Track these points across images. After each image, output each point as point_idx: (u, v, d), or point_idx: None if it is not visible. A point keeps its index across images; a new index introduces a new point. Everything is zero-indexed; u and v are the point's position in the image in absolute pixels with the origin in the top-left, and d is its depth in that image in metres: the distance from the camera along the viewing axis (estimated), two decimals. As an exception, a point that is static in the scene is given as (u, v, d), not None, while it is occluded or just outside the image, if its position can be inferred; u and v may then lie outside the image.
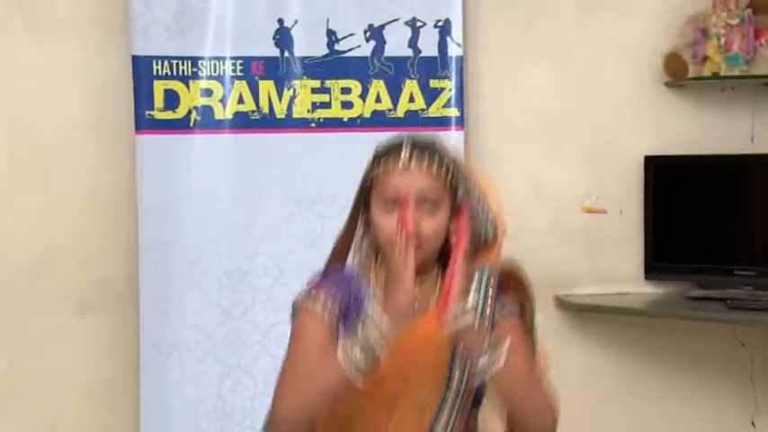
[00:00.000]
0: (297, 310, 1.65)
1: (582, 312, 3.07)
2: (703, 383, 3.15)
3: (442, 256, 1.63)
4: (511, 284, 1.68)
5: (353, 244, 1.69)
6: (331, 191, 2.79)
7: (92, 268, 2.94)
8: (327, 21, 2.85)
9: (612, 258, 3.10)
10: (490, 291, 1.61)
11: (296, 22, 2.84)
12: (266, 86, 2.83)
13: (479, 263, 1.62)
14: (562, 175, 3.10)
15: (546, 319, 2.95)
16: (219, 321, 2.80)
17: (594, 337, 3.12)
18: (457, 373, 1.60)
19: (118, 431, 2.93)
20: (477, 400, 1.67)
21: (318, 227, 2.80)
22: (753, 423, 3.16)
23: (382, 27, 2.87)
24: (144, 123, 2.78)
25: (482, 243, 1.64)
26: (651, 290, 3.09)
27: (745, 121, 3.11)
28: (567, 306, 3.05)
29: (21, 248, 2.92)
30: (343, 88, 2.87)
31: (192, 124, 2.81)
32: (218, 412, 2.76)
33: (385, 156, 1.61)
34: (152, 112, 2.79)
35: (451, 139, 2.78)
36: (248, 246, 2.80)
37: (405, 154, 1.59)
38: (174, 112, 2.80)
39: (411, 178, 1.57)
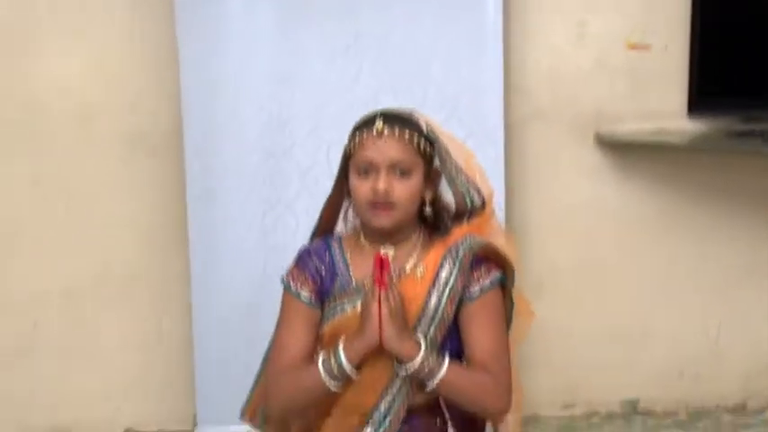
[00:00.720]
0: (283, 289, 1.79)
1: (623, 149, 3.03)
2: (741, 218, 3.14)
3: (427, 224, 1.78)
4: (493, 256, 1.75)
5: (342, 213, 1.83)
6: (366, 39, 2.77)
7: (139, 116, 2.94)
8: None
9: (656, 95, 3.03)
10: (463, 270, 1.70)
11: None
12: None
13: (465, 231, 1.74)
14: (606, 11, 3.00)
15: (586, 157, 3.04)
16: (261, 162, 2.81)
17: (634, 173, 3.09)
18: (422, 333, 1.69)
19: (169, 270, 2.98)
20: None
21: (355, 72, 2.77)
22: None
23: None
24: None
25: (469, 211, 1.76)
26: (693, 126, 3.02)
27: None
28: (608, 143, 3.02)
29: (71, 96, 2.92)
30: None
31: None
32: (262, 247, 2.79)
33: (360, 127, 1.72)
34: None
35: None
36: (287, 93, 2.77)
37: (378, 124, 1.68)
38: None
39: (384, 146, 1.68)
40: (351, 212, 1.82)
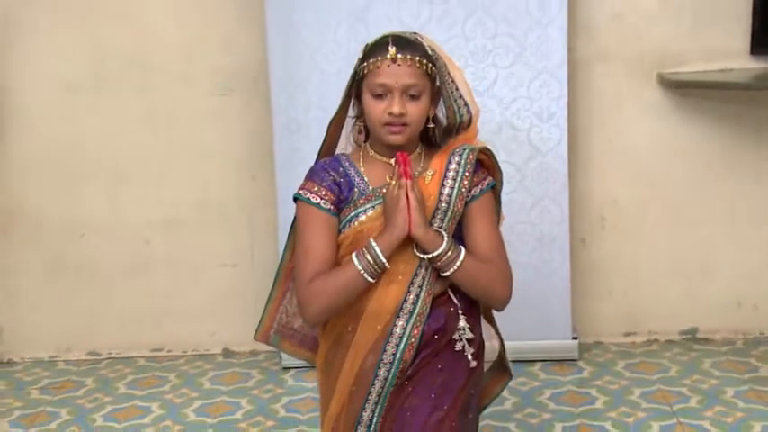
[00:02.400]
0: (298, 204, 1.76)
1: (685, 89, 2.94)
2: None
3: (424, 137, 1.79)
4: (485, 163, 1.78)
5: (344, 129, 1.82)
6: None
7: (230, 55, 2.98)
8: None
9: (719, 35, 2.93)
10: (469, 167, 1.72)
11: None
12: None
13: (459, 143, 1.76)
14: None
15: (649, 97, 2.98)
16: (338, 97, 2.78)
17: (696, 113, 3.00)
18: (438, 225, 1.71)
19: (258, 194, 3.03)
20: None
21: (427, 13, 2.75)
22: None
23: None
24: None
25: (458, 125, 1.77)
26: (756, 65, 2.91)
27: None
28: (669, 83, 2.93)
29: (173, 38, 2.99)
30: None
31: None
32: None
33: (373, 51, 1.70)
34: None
35: None
36: (362, 30, 2.76)
37: (391, 51, 1.67)
38: None
39: (398, 72, 1.67)
40: (352, 130, 1.82)
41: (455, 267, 1.66)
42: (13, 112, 3.01)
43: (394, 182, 1.66)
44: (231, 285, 3.11)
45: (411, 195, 1.63)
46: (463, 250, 1.69)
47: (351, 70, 2.68)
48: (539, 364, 2.91)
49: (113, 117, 3.02)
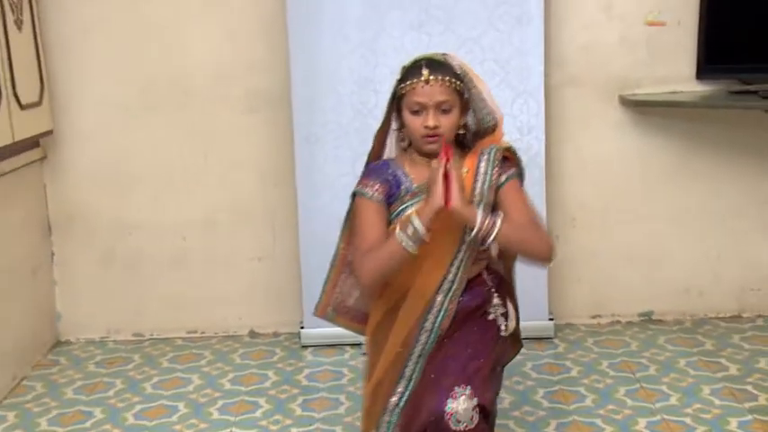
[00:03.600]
0: (354, 198, 1.84)
1: (642, 108, 3.01)
2: (739, 163, 3.10)
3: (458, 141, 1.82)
4: (509, 157, 1.83)
5: (389, 138, 1.87)
6: (434, 13, 2.83)
7: (258, 79, 3.01)
8: None
9: (670, 63, 3.01)
10: (497, 162, 1.78)
11: None
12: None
13: (487, 144, 1.81)
14: None
15: (611, 115, 3.02)
16: (351, 117, 2.88)
17: (651, 128, 3.07)
18: (466, 236, 1.74)
19: (280, 199, 3.05)
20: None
21: (426, 42, 2.81)
22: None
23: None
24: None
25: (485, 130, 1.81)
26: (701, 88, 3.00)
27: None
28: (629, 104, 3.00)
29: (209, 64, 3.01)
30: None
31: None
32: (351, 182, 2.80)
33: (410, 74, 1.74)
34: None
35: None
36: (372, 59, 2.84)
37: (425, 74, 1.72)
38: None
39: (431, 91, 1.72)
40: (394, 138, 1.86)
41: (495, 232, 1.66)
42: (73, 128, 3.03)
43: (435, 165, 1.68)
44: (256, 276, 3.12)
45: (451, 174, 1.65)
46: (500, 217, 1.69)
47: (362, 92, 2.86)
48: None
49: (158, 132, 3.03)
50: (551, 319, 3.05)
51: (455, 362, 1.77)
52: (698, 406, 2.50)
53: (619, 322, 3.18)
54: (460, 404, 1.71)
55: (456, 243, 1.75)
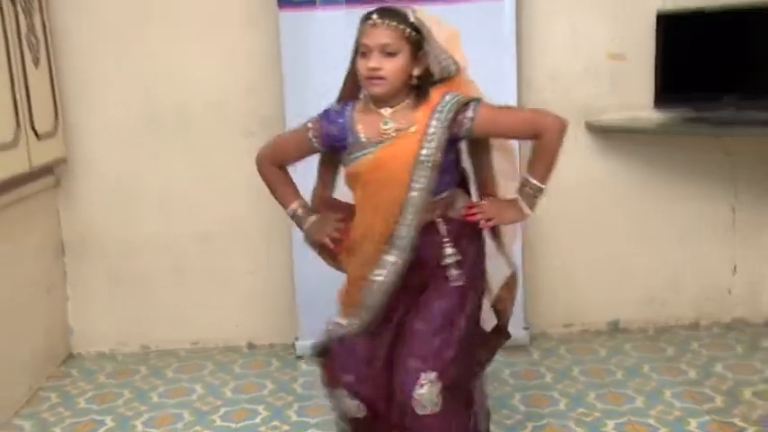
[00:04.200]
0: (304, 124, 1.88)
1: (605, 133, 3.08)
2: (694, 183, 3.17)
3: (417, 91, 1.78)
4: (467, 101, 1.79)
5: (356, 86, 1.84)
6: None
7: (253, 103, 3.04)
8: None
9: (629, 92, 3.07)
10: (446, 122, 1.73)
11: None
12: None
13: (442, 91, 1.77)
14: (593, 30, 3.06)
15: (578, 139, 3.06)
16: None
17: (614, 151, 3.13)
18: (417, 176, 1.74)
19: (274, 215, 2.86)
20: (441, 190, 1.81)
21: None
22: (733, 210, 3.19)
23: None
24: (284, 1, 2.83)
25: (447, 76, 1.79)
26: (658, 115, 3.06)
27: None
28: (594, 129, 3.08)
29: (208, 90, 3.04)
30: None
31: (316, 2, 2.82)
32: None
33: (364, 19, 1.75)
34: (288, -6, 2.84)
35: (506, 6, 2.82)
36: None
37: (373, 17, 1.72)
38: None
39: (376, 33, 1.71)
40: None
41: (541, 195, 1.80)
42: (83, 152, 3.07)
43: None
44: (253, 290, 3.14)
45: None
46: (543, 186, 1.78)
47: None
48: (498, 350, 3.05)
49: (161, 156, 3.07)
50: (527, 329, 3.08)
51: (422, 340, 1.75)
52: (661, 408, 2.53)
53: (588, 331, 3.22)
54: (425, 390, 1.72)
55: (404, 192, 1.73)
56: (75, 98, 3.06)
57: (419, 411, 1.73)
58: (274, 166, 1.92)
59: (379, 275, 1.77)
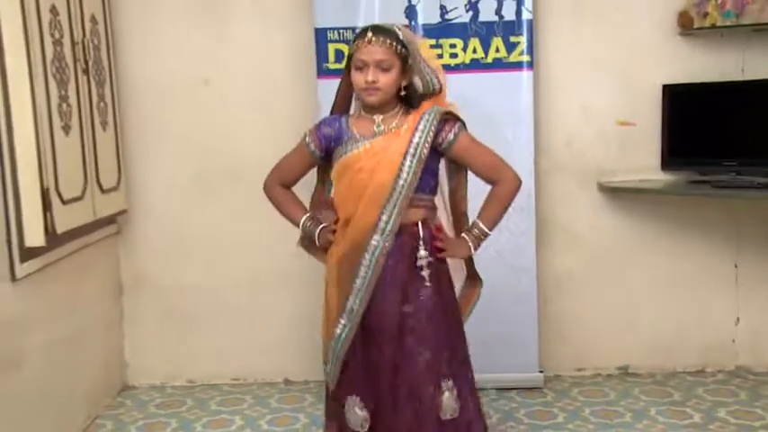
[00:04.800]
0: (301, 138, 1.97)
1: (616, 192, 3.13)
2: (697, 240, 3.20)
3: (405, 101, 1.88)
4: (451, 117, 1.89)
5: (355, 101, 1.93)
6: None
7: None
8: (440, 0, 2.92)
9: (639, 156, 3.13)
10: (434, 124, 1.82)
11: (419, 1, 2.94)
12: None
13: (429, 104, 1.86)
14: (604, 99, 3.13)
15: (591, 198, 3.14)
16: None
17: (624, 209, 3.18)
18: (407, 164, 1.82)
19: (313, 268, 2.91)
20: (422, 190, 1.88)
21: None
22: (735, 265, 3.22)
23: (477, 1, 2.92)
24: (322, 72, 2.94)
25: (431, 91, 1.89)
26: (665, 177, 3.12)
27: (736, 58, 3.08)
28: (606, 189, 3.13)
29: (253, 149, 3.10)
30: (450, 44, 2.94)
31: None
32: None
33: (358, 37, 1.83)
34: (327, 65, 2.94)
35: (524, 78, 2.92)
36: None
37: (369, 35, 1.80)
38: (340, 63, 2.87)
39: (372, 50, 1.79)
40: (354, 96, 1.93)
41: (485, 239, 1.85)
42: (142, 203, 3.19)
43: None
44: (290, 330, 3.19)
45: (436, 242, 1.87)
46: (476, 227, 1.84)
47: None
48: (514, 391, 3.01)
49: (210, 209, 3.17)
50: (541, 372, 3.10)
51: (434, 356, 1.84)
52: (666, 449, 2.59)
53: (600, 375, 3.23)
54: (446, 399, 1.83)
55: (393, 177, 1.80)
56: (137, 156, 3.19)
57: (443, 417, 1.82)
58: (280, 187, 2.01)
59: (363, 260, 1.84)
